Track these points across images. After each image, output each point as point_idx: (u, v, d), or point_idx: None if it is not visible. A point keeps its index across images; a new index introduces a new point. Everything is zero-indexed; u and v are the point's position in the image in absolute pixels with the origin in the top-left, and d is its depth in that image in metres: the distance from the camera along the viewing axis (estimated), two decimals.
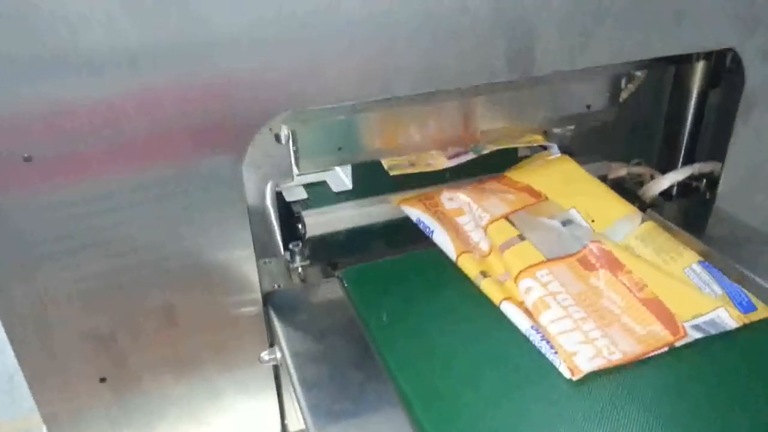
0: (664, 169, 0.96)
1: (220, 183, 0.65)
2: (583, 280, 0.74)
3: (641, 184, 0.96)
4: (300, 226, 0.84)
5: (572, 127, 1.01)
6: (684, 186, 0.94)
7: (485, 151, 0.86)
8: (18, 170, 0.58)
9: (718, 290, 0.72)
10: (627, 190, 0.96)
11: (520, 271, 0.73)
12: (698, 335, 0.67)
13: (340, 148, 0.83)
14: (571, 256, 0.76)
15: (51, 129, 0.58)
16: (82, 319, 0.67)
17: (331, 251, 0.84)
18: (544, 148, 0.94)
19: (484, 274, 0.75)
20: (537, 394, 0.62)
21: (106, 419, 0.73)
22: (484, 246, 0.80)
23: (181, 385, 0.74)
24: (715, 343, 0.66)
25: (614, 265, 0.75)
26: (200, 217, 0.66)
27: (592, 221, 0.82)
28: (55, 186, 0.60)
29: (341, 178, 0.93)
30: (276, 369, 0.75)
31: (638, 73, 0.91)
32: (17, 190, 0.59)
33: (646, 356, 0.65)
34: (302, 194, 0.89)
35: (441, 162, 0.86)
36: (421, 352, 0.66)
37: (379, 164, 0.88)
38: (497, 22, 0.66)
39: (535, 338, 0.67)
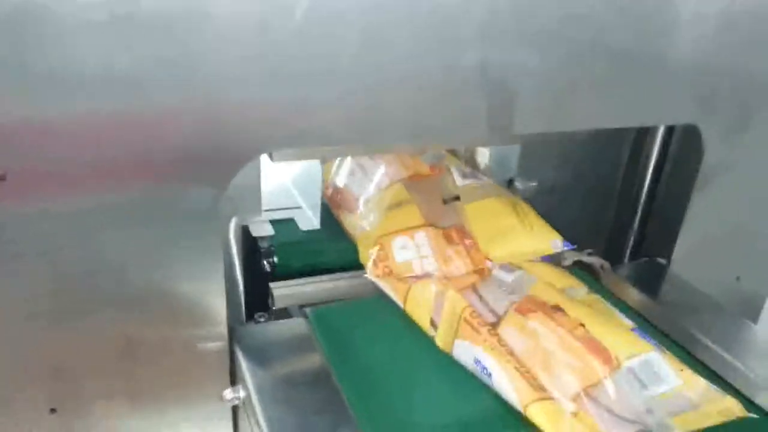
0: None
1: (196, 215, 0.64)
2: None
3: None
4: (269, 298, 0.82)
5: (535, 183, 1.05)
6: None
7: None
8: None
9: None
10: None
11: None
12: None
13: None
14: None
15: (27, 147, 0.56)
16: (33, 344, 0.64)
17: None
18: None
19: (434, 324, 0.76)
20: None
21: None
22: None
23: (135, 418, 0.71)
24: None
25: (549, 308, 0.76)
26: (170, 246, 0.65)
27: None
28: (19, 203, 0.58)
29: (309, 216, 0.93)
30: (235, 409, 0.74)
31: None
32: None
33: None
34: (269, 230, 0.88)
35: None
36: (386, 398, 0.67)
37: None
38: (481, 82, 0.68)
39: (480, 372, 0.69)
